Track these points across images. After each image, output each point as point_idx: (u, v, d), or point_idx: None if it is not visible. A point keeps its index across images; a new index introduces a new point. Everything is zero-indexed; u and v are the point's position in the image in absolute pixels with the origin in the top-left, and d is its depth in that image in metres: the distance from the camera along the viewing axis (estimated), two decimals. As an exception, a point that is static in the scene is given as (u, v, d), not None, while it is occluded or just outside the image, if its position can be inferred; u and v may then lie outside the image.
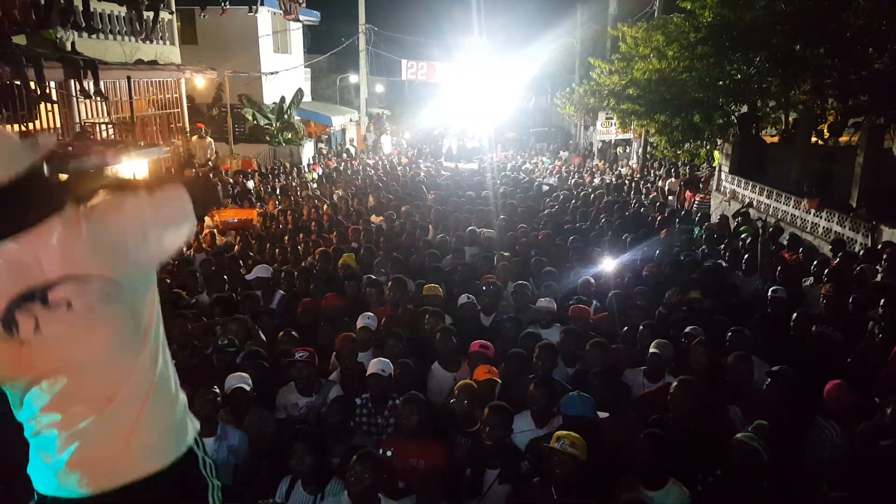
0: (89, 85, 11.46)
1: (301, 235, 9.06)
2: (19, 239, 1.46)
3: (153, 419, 1.60)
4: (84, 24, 12.18)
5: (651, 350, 4.44)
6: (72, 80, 11.33)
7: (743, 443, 3.24)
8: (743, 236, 9.12)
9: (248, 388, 3.89)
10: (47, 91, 10.60)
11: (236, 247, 9.06)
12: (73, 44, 11.49)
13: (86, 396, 1.53)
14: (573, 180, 17.50)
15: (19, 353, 1.50)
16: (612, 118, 18.84)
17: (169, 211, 1.64)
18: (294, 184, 15.57)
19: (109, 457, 1.55)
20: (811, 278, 6.74)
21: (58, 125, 11.41)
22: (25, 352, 1.50)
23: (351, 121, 27.77)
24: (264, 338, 4.92)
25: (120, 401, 1.55)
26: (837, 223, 8.90)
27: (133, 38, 14.08)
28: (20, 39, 10.23)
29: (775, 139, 13.41)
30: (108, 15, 13.23)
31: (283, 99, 21.67)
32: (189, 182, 2.27)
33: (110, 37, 13.29)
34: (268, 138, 20.96)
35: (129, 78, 13.26)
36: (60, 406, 1.53)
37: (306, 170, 18.76)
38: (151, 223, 1.60)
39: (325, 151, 24.12)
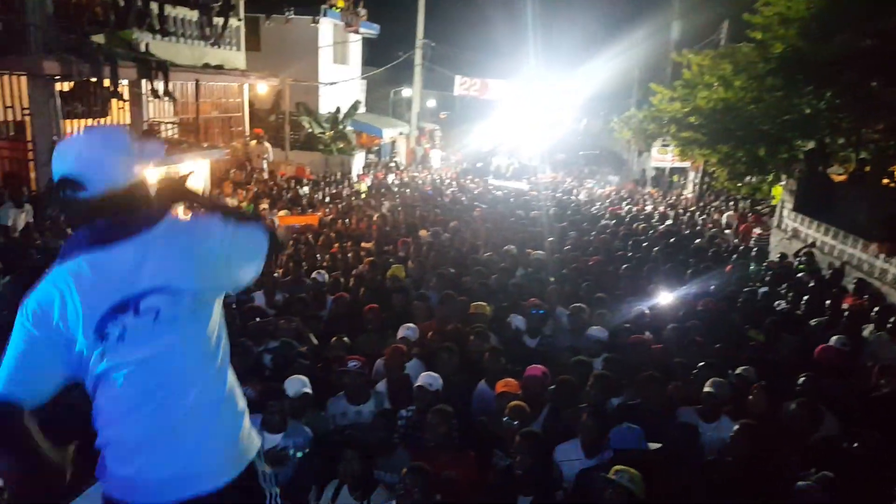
0: (159, 85, 11.90)
1: (350, 243, 9.12)
2: (122, 246, 1.50)
3: (222, 434, 1.60)
4: (158, 27, 12.69)
5: (706, 389, 4.26)
6: (143, 80, 11.78)
7: (806, 492, 3.10)
8: (800, 276, 8.75)
9: (309, 392, 3.90)
10: (119, 89, 11.04)
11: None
12: (146, 45, 11.94)
13: (156, 407, 1.53)
14: (626, 207, 17.16)
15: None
16: (668, 145, 18.49)
17: (249, 246, 1.71)
18: (345, 193, 15.76)
19: (176, 470, 1.53)
20: (871, 325, 6.40)
21: (127, 122, 11.87)
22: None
23: (401, 133, 28.04)
24: (316, 341, 4.93)
25: (191, 413, 1.55)
26: (908, 270, 8.43)
27: (202, 42, 14.52)
28: (99, 38, 10.70)
29: (843, 178, 12.88)
30: (181, 19, 13.70)
31: (338, 109, 22.02)
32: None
33: (181, 40, 13.74)
34: (321, 147, 21.29)
35: (196, 81, 13.71)
36: (131, 414, 1.52)
37: (356, 180, 19.00)
38: (233, 252, 1.66)
39: (374, 162, 24.41)
